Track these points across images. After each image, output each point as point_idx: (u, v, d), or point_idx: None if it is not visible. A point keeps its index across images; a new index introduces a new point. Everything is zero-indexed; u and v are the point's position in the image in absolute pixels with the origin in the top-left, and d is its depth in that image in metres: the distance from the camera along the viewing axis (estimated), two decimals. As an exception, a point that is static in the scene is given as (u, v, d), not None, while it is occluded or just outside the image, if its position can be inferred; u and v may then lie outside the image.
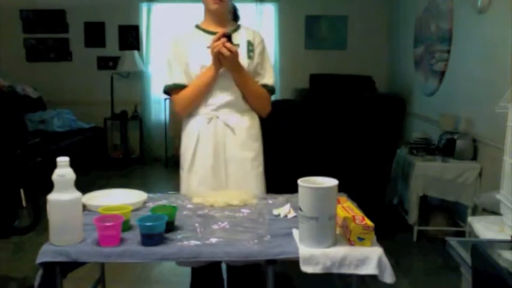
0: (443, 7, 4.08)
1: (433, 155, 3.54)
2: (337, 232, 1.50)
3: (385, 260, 1.42)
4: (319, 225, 1.40)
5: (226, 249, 1.45)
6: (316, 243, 1.42)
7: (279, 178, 2.32)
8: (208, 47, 1.94)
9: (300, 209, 1.43)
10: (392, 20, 5.95)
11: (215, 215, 1.73)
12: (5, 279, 2.84)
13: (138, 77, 6.16)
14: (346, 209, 1.57)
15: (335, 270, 1.41)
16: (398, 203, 3.91)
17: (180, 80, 2.06)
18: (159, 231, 1.47)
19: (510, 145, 1.74)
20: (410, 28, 5.00)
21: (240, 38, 2.05)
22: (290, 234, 1.54)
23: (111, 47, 6.23)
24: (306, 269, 1.41)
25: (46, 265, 1.43)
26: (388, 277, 1.42)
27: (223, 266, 2.29)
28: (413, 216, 3.45)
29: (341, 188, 1.53)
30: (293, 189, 1.53)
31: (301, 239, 1.45)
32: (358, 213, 1.52)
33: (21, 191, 2.70)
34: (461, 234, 3.39)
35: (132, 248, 1.45)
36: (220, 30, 1.94)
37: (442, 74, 4.09)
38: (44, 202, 1.47)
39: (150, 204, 1.81)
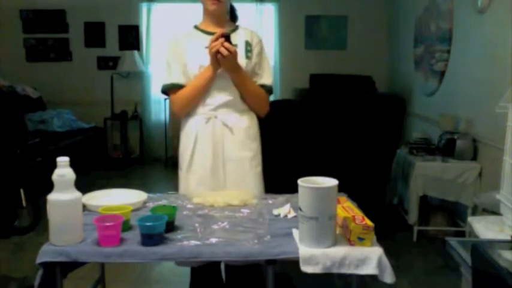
0: (443, 7, 4.08)
1: (433, 155, 3.53)
2: (337, 232, 1.50)
3: (385, 260, 1.42)
4: (319, 225, 1.40)
5: (226, 249, 1.45)
6: (316, 243, 1.42)
7: (279, 178, 2.32)
8: (206, 47, 1.94)
9: (300, 209, 1.43)
10: (392, 20, 5.95)
11: (215, 215, 1.73)
12: (5, 279, 2.83)
13: (138, 77, 6.16)
14: (346, 209, 1.57)
15: (335, 270, 1.41)
16: (398, 203, 3.91)
17: (178, 80, 2.07)
18: (159, 231, 1.47)
19: (510, 145, 1.74)
20: (410, 28, 5.00)
21: (238, 38, 2.05)
22: (290, 234, 1.54)
23: (111, 47, 6.23)
24: (306, 269, 1.41)
25: (46, 265, 1.44)
26: (388, 277, 1.42)
27: (222, 266, 2.29)
28: (413, 216, 3.45)
29: (341, 188, 1.53)
30: (293, 189, 1.53)
31: (301, 239, 1.45)
32: (358, 213, 1.52)
33: (21, 191, 2.70)
34: (461, 234, 3.39)
35: (132, 248, 1.45)
36: (218, 31, 1.94)
37: (442, 74, 4.09)
38: (44, 202, 1.47)
39: (150, 204, 1.82)
